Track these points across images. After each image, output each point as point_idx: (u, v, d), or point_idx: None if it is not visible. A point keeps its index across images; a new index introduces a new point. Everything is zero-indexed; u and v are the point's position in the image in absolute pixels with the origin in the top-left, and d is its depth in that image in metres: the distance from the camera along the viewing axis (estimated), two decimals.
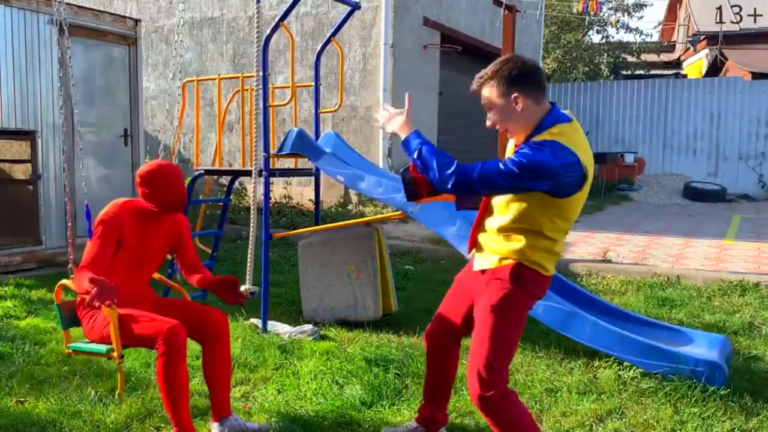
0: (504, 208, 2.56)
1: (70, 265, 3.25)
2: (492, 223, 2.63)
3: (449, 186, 2.42)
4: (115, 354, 2.99)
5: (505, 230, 2.56)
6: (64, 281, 3.22)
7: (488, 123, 2.59)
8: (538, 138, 2.43)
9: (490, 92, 2.51)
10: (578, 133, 2.51)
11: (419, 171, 2.55)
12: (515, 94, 2.46)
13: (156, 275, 3.49)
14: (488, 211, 2.68)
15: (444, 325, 2.95)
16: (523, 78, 2.46)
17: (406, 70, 10.96)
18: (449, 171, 2.41)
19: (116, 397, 3.45)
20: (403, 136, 2.59)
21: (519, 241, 2.54)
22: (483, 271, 2.67)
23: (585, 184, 2.48)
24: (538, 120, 2.49)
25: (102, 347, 3.07)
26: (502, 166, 2.37)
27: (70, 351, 3.21)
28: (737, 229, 9.77)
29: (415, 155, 2.50)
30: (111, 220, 3.08)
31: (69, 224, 3.42)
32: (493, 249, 2.62)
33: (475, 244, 2.76)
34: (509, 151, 2.65)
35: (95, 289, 2.72)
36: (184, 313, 3.17)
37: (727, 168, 15.47)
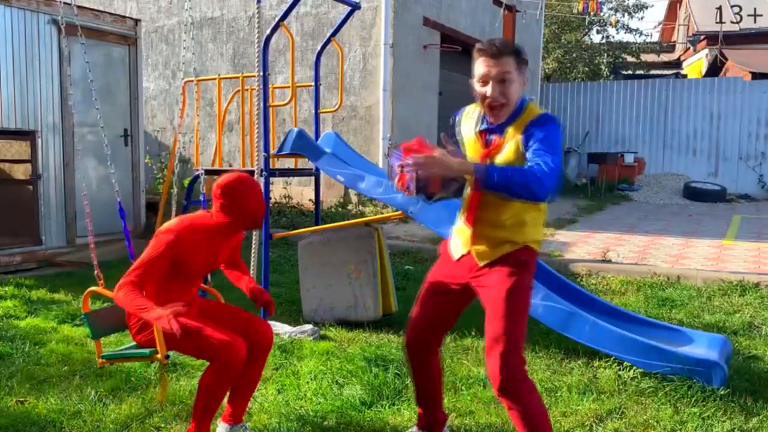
0: (500, 203, 2.62)
1: (96, 272, 3.12)
2: (495, 214, 2.65)
3: (549, 195, 2.45)
4: (159, 356, 2.85)
5: (515, 215, 2.63)
6: (93, 288, 3.07)
7: (493, 93, 2.57)
8: (526, 118, 2.59)
9: (512, 65, 2.57)
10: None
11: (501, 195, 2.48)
12: (526, 76, 2.63)
13: None
14: (486, 204, 2.67)
15: (424, 330, 2.93)
16: (526, 63, 2.63)
17: (406, 70, 10.96)
18: (537, 183, 2.39)
19: (161, 406, 3.39)
20: (472, 170, 2.46)
21: (525, 223, 2.64)
22: (491, 262, 2.68)
23: None
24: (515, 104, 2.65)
25: (145, 350, 2.93)
26: (550, 160, 2.44)
27: (104, 360, 3.04)
28: (737, 229, 9.77)
29: (495, 182, 2.42)
30: (173, 241, 2.82)
31: (89, 228, 3.25)
32: (501, 237, 2.65)
33: (474, 241, 2.73)
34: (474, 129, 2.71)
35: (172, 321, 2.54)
36: (234, 321, 3.06)
37: (727, 168, 15.47)
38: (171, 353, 3.01)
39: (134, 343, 3.08)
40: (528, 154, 2.52)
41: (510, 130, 2.60)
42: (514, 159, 2.57)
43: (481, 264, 2.71)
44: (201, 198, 4.77)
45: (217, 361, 2.76)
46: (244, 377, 3.04)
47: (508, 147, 2.60)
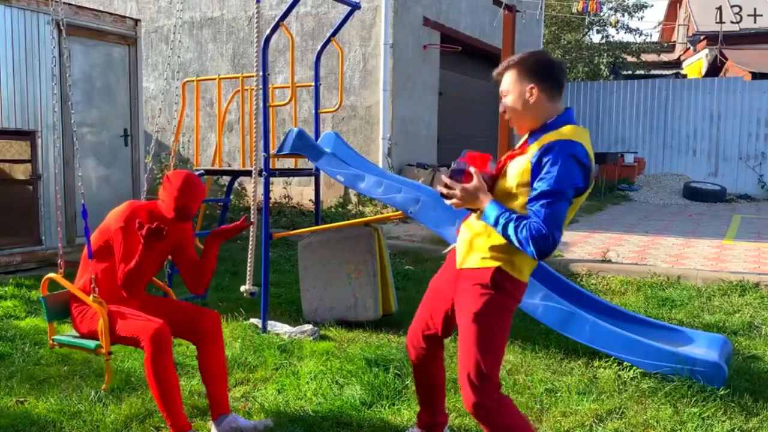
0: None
1: (60, 260, 3.26)
2: (480, 221, 2.58)
3: (543, 255, 2.39)
4: (103, 350, 3.01)
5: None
6: (51, 275, 3.23)
7: (501, 108, 2.60)
8: (548, 138, 2.44)
9: (510, 78, 2.54)
10: (587, 136, 2.54)
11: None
12: (531, 85, 2.49)
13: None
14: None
15: (425, 331, 2.90)
16: (542, 72, 2.50)
17: (406, 70, 10.96)
18: (522, 234, 2.37)
19: (102, 391, 3.50)
20: (483, 212, 2.49)
21: (502, 240, 2.48)
22: (463, 270, 2.61)
23: (586, 190, 2.49)
24: (547, 118, 2.51)
25: (90, 342, 3.09)
26: (543, 217, 2.36)
27: (54, 343, 3.23)
28: (737, 229, 9.77)
29: (499, 228, 2.43)
30: (128, 221, 3.07)
31: (59, 220, 3.38)
32: (478, 246, 2.57)
33: (460, 240, 2.70)
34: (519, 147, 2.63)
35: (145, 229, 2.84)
36: (176, 313, 3.20)
37: (727, 168, 15.48)
38: (114, 348, 3.13)
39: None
40: (530, 197, 2.42)
41: (535, 144, 2.49)
42: (514, 183, 2.48)
43: (458, 266, 2.65)
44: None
45: (146, 345, 2.91)
46: (207, 369, 3.15)
47: (519, 164, 2.49)
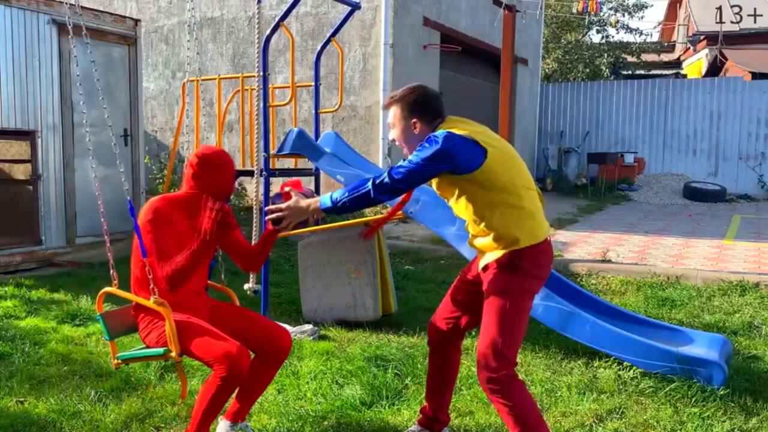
0: (460, 209, 2.78)
1: (112, 272, 3.05)
2: (469, 224, 2.82)
3: (381, 196, 2.74)
4: (173, 354, 2.78)
5: (477, 224, 2.74)
6: (107, 289, 2.95)
7: (389, 137, 2.93)
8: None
9: (395, 113, 2.84)
10: (456, 120, 2.79)
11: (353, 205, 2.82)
12: (414, 120, 2.79)
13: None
14: (461, 217, 2.86)
15: (446, 314, 3.03)
16: (422, 106, 2.80)
17: (406, 70, 10.96)
18: (372, 188, 2.73)
19: (181, 402, 3.39)
20: (319, 208, 2.85)
21: (491, 227, 2.70)
22: (484, 268, 2.78)
23: (487, 152, 2.67)
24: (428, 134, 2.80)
25: (159, 349, 2.86)
26: (408, 161, 2.71)
27: (119, 362, 2.99)
28: (737, 229, 9.77)
29: (341, 205, 2.79)
30: (158, 212, 2.90)
31: (104, 227, 3.16)
32: (482, 245, 2.77)
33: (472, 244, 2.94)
34: None
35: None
36: (249, 324, 3.05)
37: (727, 168, 15.47)
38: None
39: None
40: None
41: None
42: (445, 188, 2.79)
43: (480, 268, 2.82)
44: None
45: (221, 370, 2.72)
46: (256, 379, 3.04)
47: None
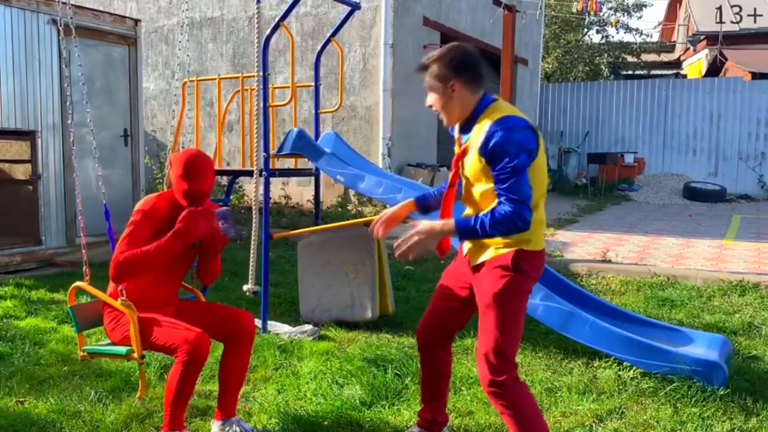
0: (481, 196, 2.63)
1: (85, 268, 3.17)
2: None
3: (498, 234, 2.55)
4: (135, 355, 2.92)
5: None
6: (78, 283, 3.12)
7: (426, 102, 2.71)
8: (482, 122, 2.55)
9: (431, 75, 2.63)
10: (511, 106, 2.66)
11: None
12: (452, 82, 2.59)
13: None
14: (469, 204, 2.74)
15: (435, 320, 2.97)
16: (462, 67, 2.60)
17: (406, 70, 10.95)
18: (495, 227, 2.52)
19: (138, 401, 3.41)
20: (451, 232, 2.61)
21: None
22: (478, 265, 2.69)
23: (539, 147, 2.57)
24: (472, 108, 2.63)
25: (121, 348, 3.00)
26: (506, 199, 2.49)
27: (85, 354, 3.14)
28: (737, 229, 9.77)
29: (480, 232, 2.54)
30: (148, 210, 2.99)
31: (81, 225, 3.27)
32: (488, 240, 2.64)
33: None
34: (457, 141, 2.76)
35: (182, 225, 2.83)
36: (212, 314, 3.13)
37: (727, 168, 15.47)
38: (147, 353, 3.10)
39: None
40: (495, 182, 2.54)
41: (473, 134, 2.60)
42: (480, 175, 2.59)
43: (473, 264, 2.73)
44: None
45: (181, 355, 2.82)
46: (229, 370, 3.11)
47: (472, 158, 2.60)
